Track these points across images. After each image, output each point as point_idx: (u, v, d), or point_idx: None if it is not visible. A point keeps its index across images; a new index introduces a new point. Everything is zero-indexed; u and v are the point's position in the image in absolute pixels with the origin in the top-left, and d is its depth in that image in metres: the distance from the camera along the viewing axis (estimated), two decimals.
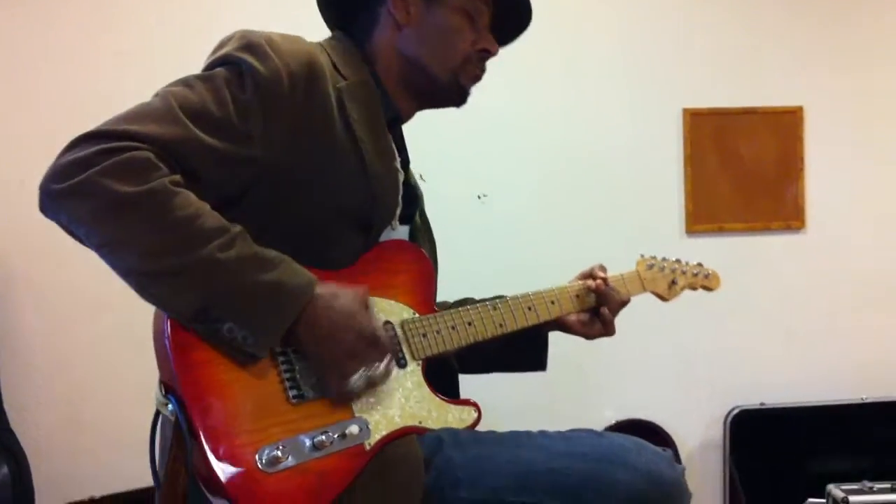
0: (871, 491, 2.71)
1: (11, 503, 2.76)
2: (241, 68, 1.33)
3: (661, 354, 3.34)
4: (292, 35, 1.44)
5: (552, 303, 1.68)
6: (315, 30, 1.61)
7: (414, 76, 1.56)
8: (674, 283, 1.93)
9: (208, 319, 1.21)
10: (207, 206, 1.25)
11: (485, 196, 3.25)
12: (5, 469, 2.78)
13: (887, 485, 2.74)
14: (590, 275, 1.77)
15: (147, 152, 1.20)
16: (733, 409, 3.27)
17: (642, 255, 1.90)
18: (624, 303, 1.78)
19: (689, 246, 3.31)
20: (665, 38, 3.31)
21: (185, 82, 1.32)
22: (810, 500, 2.86)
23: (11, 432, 2.89)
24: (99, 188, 1.17)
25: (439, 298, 1.66)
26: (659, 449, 1.46)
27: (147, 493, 1.35)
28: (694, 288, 1.98)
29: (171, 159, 1.24)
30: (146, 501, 1.35)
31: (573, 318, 1.76)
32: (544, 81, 3.23)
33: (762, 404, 3.27)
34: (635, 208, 3.31)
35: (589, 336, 1.77)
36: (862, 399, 3.25)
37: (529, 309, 1.64)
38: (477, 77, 1.61)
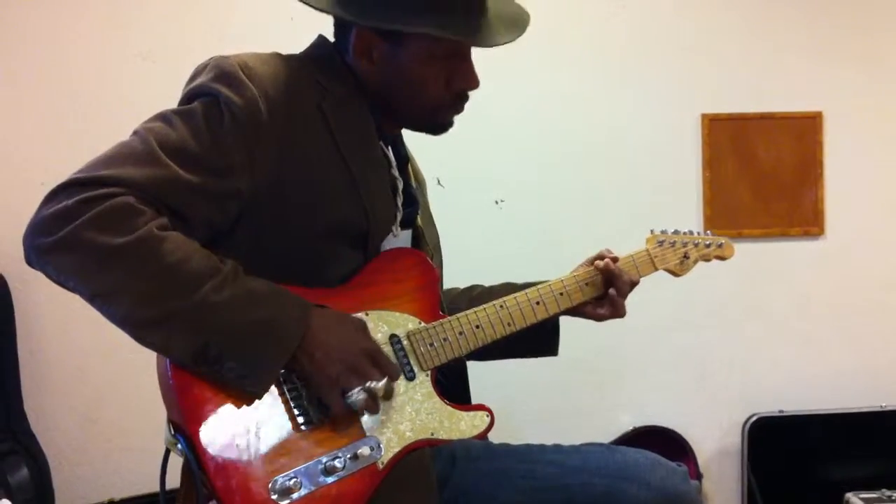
0: (889, 500, 2.70)
1: None
2: (218, 100, 1.30)
3: (679, 361, 3.32)
4: (268, 54, 1.41)
5: (561, 294, 1.63)
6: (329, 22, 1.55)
7: (390, 101, 1.50)
8: (686, 257, 1.82)
9: (207, 361, 1.20)
10: (196, 246, 1.24)
11: (502, 201, 3.25)
12: (25, 471, 2.80)
13: None
14: (598, 258, 1.72)
15: (129, 197, 1.19)
16: (752, 416, 3.25)
17: (652, 231, 1.82)
18: (634, 283, 1.71)
19: None
20: (683, 44, 3.30)
21: (164, 118, 1.29)
22: None
23: (32, 435, 2.91)
24: (84, 241, 1.15)
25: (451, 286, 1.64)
26: (673, 464, 1.45)
27: (166, 496, 1.34)
28: (707, 259, 1.87)
29: (155, 201, 1.22)
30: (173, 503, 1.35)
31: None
32: (562, 87, 3.23)
33: (781, 411, 3.25)
34: (654, 213, 3.28)
35: (599, 318, 1.70)
36: (881, 406, 3.23)
37: (538, 304, 1.60)
38: (455, 112, 1.53)
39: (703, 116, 3.29)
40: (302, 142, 1.36)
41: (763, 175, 3.33)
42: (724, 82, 3.32)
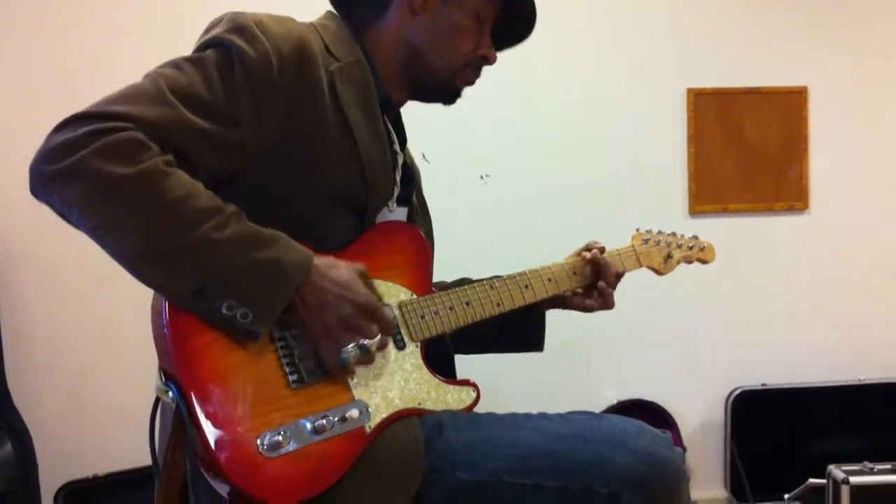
0: (871, 472, 2.72)
1: (15, 481, 2.78)
2: (231, 51, 1.31)
3: (662, 335, 3.34)
4: (283, 16, 1.42)
5: (549, 280, 1.67)
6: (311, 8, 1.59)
7: (413, 64, 1.54)
8: (669, 256, 1.90)
9: (206, 299, 1.20)
10: (201, 186, 1.24)
11: (487, 176, 3.25)
12: (9, 447, 2.80)
13: (888, 465, 2.74)
14: (585, 249, 1.76)
15: (137, 132, 1.19)
16: (735, 390, 3.28)
17: (637, 229, 1.88)
18: (620, 275, 1.75)
19: (692, 227, 3.26)
20: (669, 18, 3.29)
21: (175, 64, 1.30)
22: (811, 480, 2.87)
23: (15, 410, 2.90)
24: (90, 170, 1.16)
25: (438, 279, 1.66)
26: (658, 432, 1.46)
27: (149, 472, 1.34)
28: (689, 261, 1.95)
29: (162, 140, 1.22)
30: (148, 479, 1.35)
31: (570, 292, 1.74)
32: (547, 62, 3.21)
33: (763, 385, 3.28)
34: (638, 189, 3.30)
35: (587, 309, 1.74)
36: (860, 380, 3.26)
37: (526, 287, 1.63)
38: (470, 81, 1.60)
39: (689, 91, 3.29)
40: (309, 103, 1.37)
41: (748, 150, 3.33)
42: (710, 57, 3.32)
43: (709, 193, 3.31)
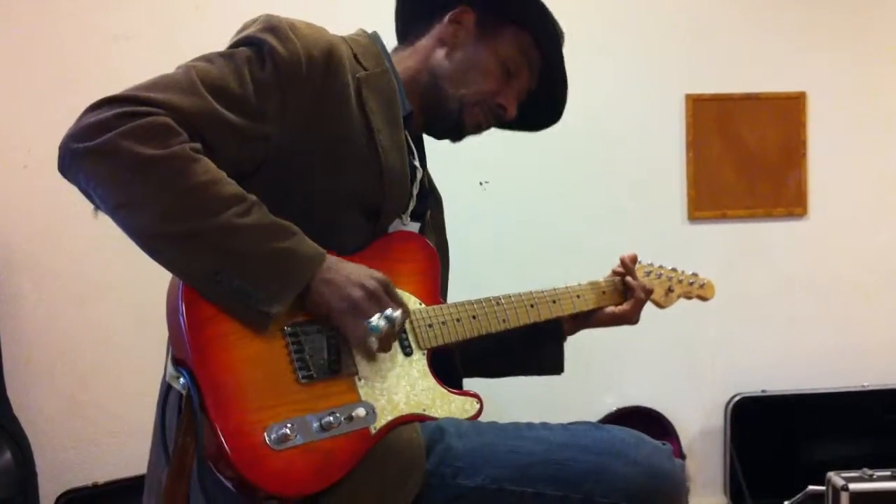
0: (870, 479, 2.71)
1: (14, 489, 2.77)
2: (263, 49, 1.36)
3: (662, 341, 3.34)
4: (316, 24, 1.47)
5: (553, 302, 1.71)
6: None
7: (428, 88, 1.60)
8: (670, 290, 1.97)
9: (222, 282, 1.23)
10: (225, 175, 1.28)
11: (486, 183, 3.25)
12: (8, 455, 2.79)
13: (887, 472, 2.74)
14: (617, 270, 1.85)
15: (167, 118, 1.24)
16: (734, 396, 3.27)
17: (640, 262, 1.91)
18: (649, 291, 1.86)
19: (691, 233, 3.31)
20: (667, 24, 3.30)
21: (207, 58, 1.35)
22: (810, 487, 2.86)
23: (14, 418, 2.90)
24: (120, 149, 1.20)
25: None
26: (658, 443, 1.46)
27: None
28: (689, 297, 2.02)
29: (190, 128, 1.26)
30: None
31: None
32: None
33: (763, 391, 3.28)
34: (637, 195, 3.30)
35: (608, 322, 1.86)
36: (863, 386, 3.26)
37: (532, 307, 1.67)
38: (479, 125, 1.65)
39: (688, 97, 3.30)
40: (334, 106, 1.41)
41: (747, 156, 3.34)
42: (709, 62, 3.33)
43: (708, 199, 3.31)
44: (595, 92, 3.27)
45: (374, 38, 1.60)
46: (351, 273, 1.33)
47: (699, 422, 3.37)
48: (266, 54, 1.36)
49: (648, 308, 3.27)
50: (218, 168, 1.27)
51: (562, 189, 3.25)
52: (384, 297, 1.34)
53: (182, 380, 1.23)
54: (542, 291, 1.70)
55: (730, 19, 3.32)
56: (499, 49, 1.59)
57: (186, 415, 1.26)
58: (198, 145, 1.26)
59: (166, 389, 1.34)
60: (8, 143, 2.96)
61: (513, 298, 1.65)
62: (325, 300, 1.31)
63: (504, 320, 1.61)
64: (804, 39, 3.34)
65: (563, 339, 1.83)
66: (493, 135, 3.17)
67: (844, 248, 3.39)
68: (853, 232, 3.39)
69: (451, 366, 1.62)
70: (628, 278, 1.83)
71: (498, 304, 1.61)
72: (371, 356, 1.37)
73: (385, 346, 1.37)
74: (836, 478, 2.74)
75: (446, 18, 1.60)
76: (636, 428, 1.50)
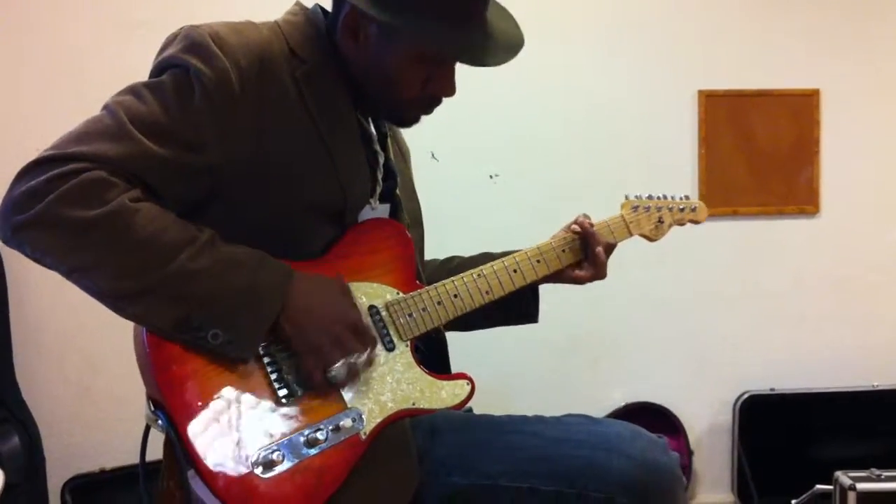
0: (878, 479, 2.70)
1: (23, 473, 2.79)
2: (189, 72, 1.26)
3: (671, 338, 3.33)
4: (242, 23, 1.36)
5: (538, 262, 1.63)
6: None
7: (363, 89, 1.44)
8: (660, 221, 1.85)
9: (190, 329, 1.20)
10: (172, 216, 1.23)
11: (496, 176, 3.24)
12: (17, 440, 2.81)
13: (895, 472, 2.73)
14: (574, 223, 1.71)
15: (100, 171, 1.18)
16: (743, 394, 3.26)
17: (627, 196, 1.84)
18: (611, 245, 1.71)
19: (701, 229, 3.28)
20: (680, 19, 3.28)
21: (133, 91, 1.27)
22: (818, 486, 2.85)
23: (23, 403, 2.91)
24: (57, 217, 1.15)
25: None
26: (654, 436, 1.45)
27: (157, 466, 1.34)
28: (682, 223, 1.90)
29: (127, 174, 1.21)
30: (156, 475, 1.35)
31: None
32: (557, 62, 3.20)
33: (772, 389, 3.26)
34: (649, 190, 3.27)
35: (579, 281, 1.67)
36: (873, 386, 3.24)
37: (515, 272, 1.59)
38: (423, 114, 1.48)
39: (700, 93, 3.28)
40: (276, 115, 1.33)
41: (759, 153, 3.31)
42: (721, 58, 3.30)
43: (719, 196, 3.29)
44: (607, 87, 3.26)
45: (313, 15, 1.43)
46: (317, 312, 1.28)
47: (707, 419, 3.36)
48: (193, 78, 1.25)
49: (658, 304, 3.29)
50: (164, 210, 1.23)
51: (572, 184, 3.24)
52: (349, 342, 1.30)
53: (160, 422, 1.21)
54: (525, 252, 1.62)
55: (743, 15, 3.29)
56: (406, 48, 1.36)
57: (168, 457, 1.25)
58: (137, 192, 1.20)
59: (146, 429, 1.32)
60: (21, 132, 2.96)
61: (494, 266, 1.57)
62: (288, 337, 1.28)
63: (487, 292, 1.55)
64: (818, 36, 3.32)
65: (537, 290, 1.72)
66: (503, 128, 3.19)
67: (856, 246, 3.37)
68: (865, 230, 3.37)
69: (437, 344, 1.58)
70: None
71: (479, 275, 1.55)
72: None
73: (347, 385, 1.33)
74: (843, 477, 2.73)
75: (343, 14, 1.39)
76: (644, 424, 1.50)
